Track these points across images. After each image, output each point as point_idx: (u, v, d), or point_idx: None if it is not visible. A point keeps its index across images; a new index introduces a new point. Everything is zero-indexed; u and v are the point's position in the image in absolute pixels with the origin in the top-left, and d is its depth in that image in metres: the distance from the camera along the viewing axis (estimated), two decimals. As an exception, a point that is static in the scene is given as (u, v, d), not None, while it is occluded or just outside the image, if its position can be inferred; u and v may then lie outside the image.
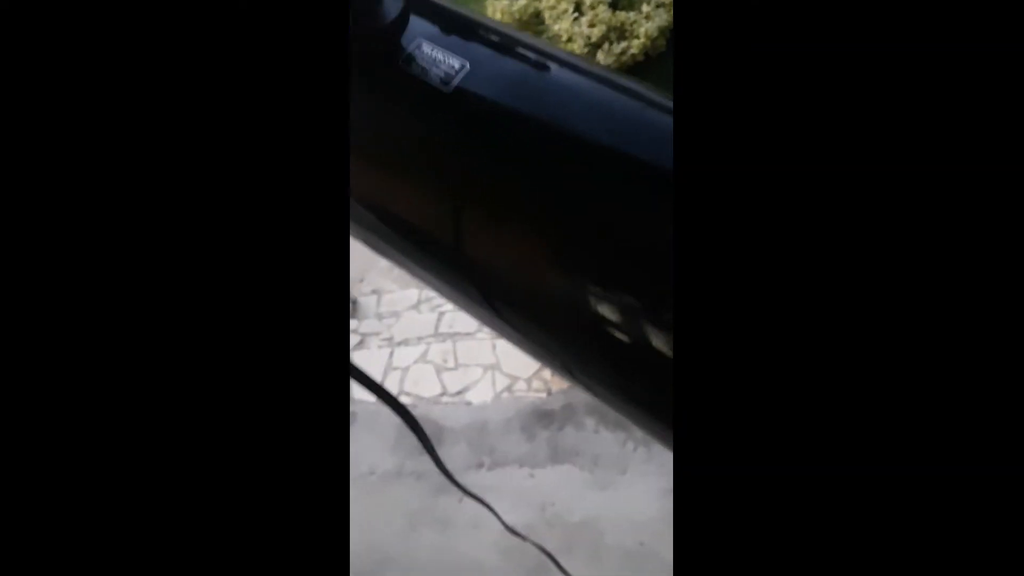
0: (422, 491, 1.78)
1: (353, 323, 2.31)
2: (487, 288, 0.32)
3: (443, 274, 0.33)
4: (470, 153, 0.30)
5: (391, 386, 2.02)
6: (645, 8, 2.23)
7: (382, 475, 1.78)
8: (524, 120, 0.29)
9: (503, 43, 0.33)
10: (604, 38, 2.24)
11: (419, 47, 0.32)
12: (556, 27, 2.30)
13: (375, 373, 2.07)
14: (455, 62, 0.31)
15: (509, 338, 0.33)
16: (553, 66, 0.31)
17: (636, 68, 2.30)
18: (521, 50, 0.32)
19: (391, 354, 2.10)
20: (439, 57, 0.31)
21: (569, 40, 2.25)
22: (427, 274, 0.34)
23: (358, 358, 2.29)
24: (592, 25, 2.23)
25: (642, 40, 2.21)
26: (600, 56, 2.23)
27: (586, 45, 2.23)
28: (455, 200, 0.30)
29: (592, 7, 2.23)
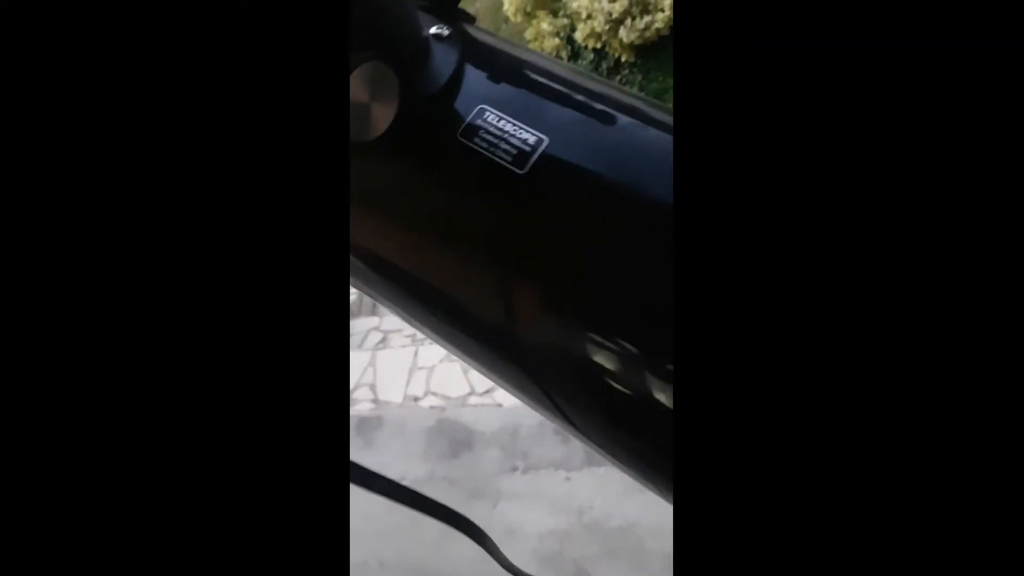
0: (455, 497, 1.74)
1: (375, 320, 2.26)
2: (547, 379, 0.28)
3: (492, 359, 0.29)
4: (542, 236, 0.26)
5: (417, 387, 1.97)
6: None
7: (412, 482, 1.74)
8: (604, 199, 0.25)
9: (572, 97, 0.28)
10: (626, 13, 2.13)
11: (483, 116, 0.27)
12: (575, 4, 2.20)
13: (400, 373, 2.02)
14: (529, 136, 0.26)
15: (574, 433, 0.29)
16: (622, 119, 0.27)
17: (661, 43, 2.20)
18: (592, 103, 0.28)
19: (416, 353, 2.04)
20: (508, 129, 0.26)
21: (589, 17, 2.16)
22: (470, 357, 0.30)
23: (381, 357, 2.25)
24: (613, 0, 2.12)
25: (667, 13, 2.10)
26: (623, 32, 2.13)
27: (607, 21, 2.14)
28: (515, 282, 0.27)
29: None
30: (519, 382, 0.29)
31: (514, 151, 0.26)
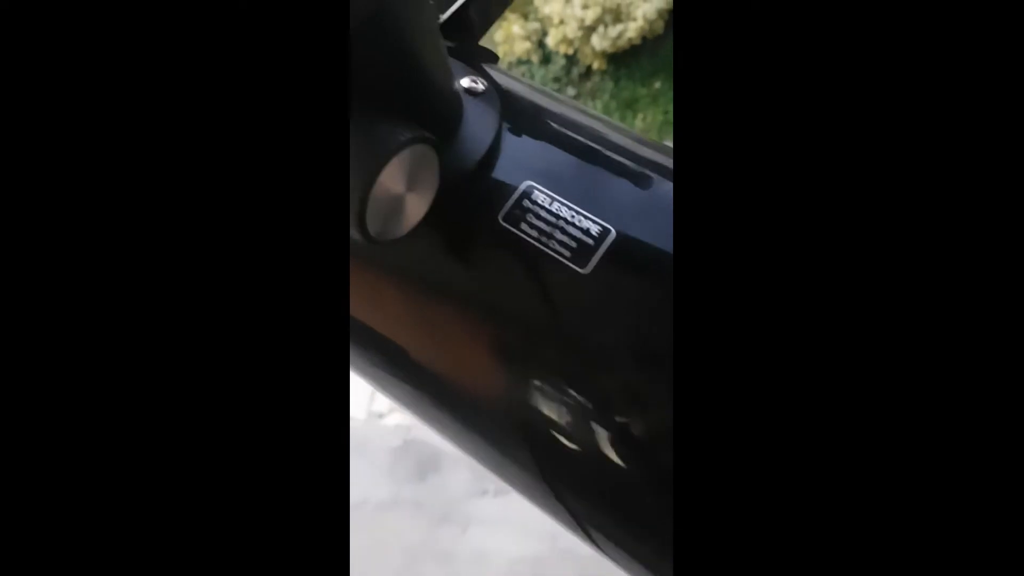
0: (421, 522, 1.66)
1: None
2: (574, 494, 0.26)
3: (513, 469, 0.27)
4: (600, 346, 0.22)
5: (380, 405, 1.88)
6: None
7: (377, 505, 1.65)
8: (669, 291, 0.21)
9: (629, 168, 0.24)
10: (599, 21, 2.12)
11: (531, 195, 0.22)
12: (547, 9, 2.17)
13: (363, 388, 1.93)
14: (591, 226, 0.22)
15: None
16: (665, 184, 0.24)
17: (632, 52, 2.18)
18: (647, 173, 0.24)
19: (380, 368, 1.96)
20: (564, 215, 0.22)
21: (561, 23, 2.13)
22: (477, 451, 0.28)
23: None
24: (586, 7, 2.10)
25: (639, 23, 2.09)
26: (595, 40, 2.11)
27: (580, 28, 2.11)
28: (564, 395, 0.23)
29: (589, -12, 2.09)
30: (538, 493, 0.26)
31: (573, 244, 0.21)
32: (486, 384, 0.24)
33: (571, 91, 2.21)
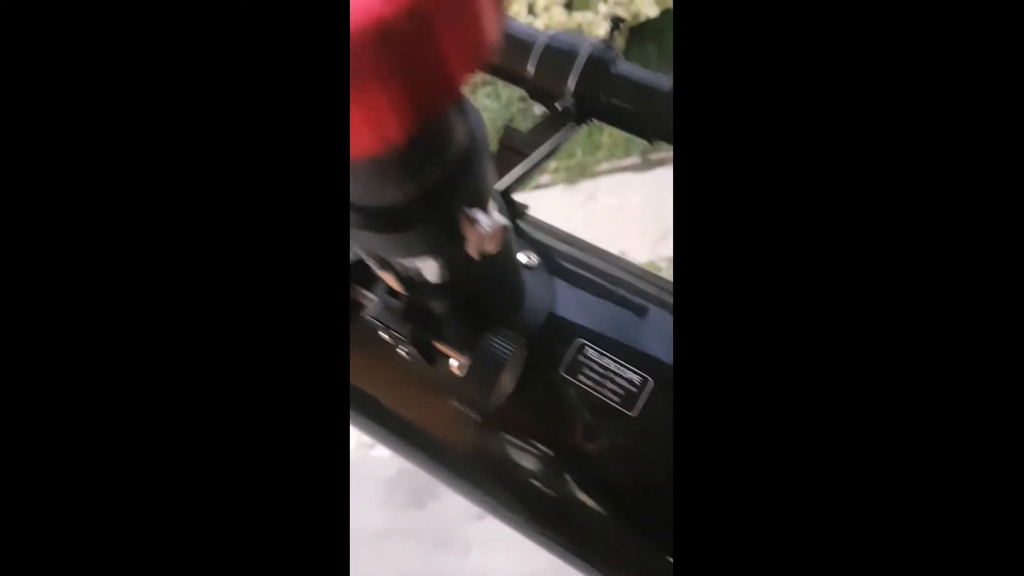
0: (418, 550, 1.64)
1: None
2: None
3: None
4: (647, 476, 0.27)
5: (367, 436, 1.87)
6: (602, 8, 2.14)
7: (373, 534, 1.64)
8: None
9: (658, 316, 0.29)
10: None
11: (583, 351, 0.27)
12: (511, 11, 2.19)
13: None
14: (633, 376, 0.27)
15: None
16: None
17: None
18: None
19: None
20: (612, 368, 0.27)
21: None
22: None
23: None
24: (547, 27, 2.13)
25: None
26: (559, 60, 2.14)
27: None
28: (611, 525, 0.28)
29: (546, 8, 2.13)
30: None
31: (621, 391, 0.26)
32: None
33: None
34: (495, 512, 0.35)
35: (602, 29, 2.10)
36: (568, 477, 0.28)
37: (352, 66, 0.15)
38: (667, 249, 1.76)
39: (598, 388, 0.27)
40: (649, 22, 2.08)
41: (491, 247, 0.23)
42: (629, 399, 0.27)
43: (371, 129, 0.16)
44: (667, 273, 1.38)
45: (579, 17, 2.13)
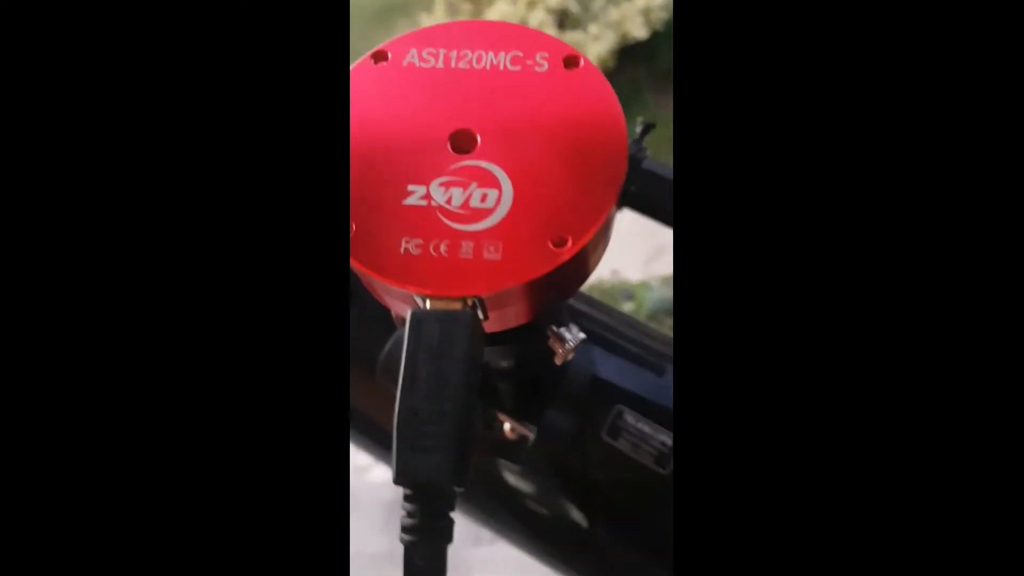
0: (419, 573, 1.62)
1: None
2: None
3: None
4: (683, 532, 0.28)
5: (360, 459, 1.86)
6: (593, 29, 2.16)
7: (371, 558, 1.63)
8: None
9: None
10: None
11: (622, 416, 0.31)
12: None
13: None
14: (666, 439, 0.30)
15: None
16: None
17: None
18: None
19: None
20: (647, 431, 0.30)
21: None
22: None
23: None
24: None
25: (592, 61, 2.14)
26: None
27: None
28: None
29: (539, 27, 2.15)
30: None
31: (655, 452, 0.30)
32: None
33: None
34: (503, 535, 0.38)
35: (592, 51, 2.13)
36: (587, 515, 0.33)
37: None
38: (659, 267, 1.77)
39: (635, 451, 0.30)
40: (639, 44, 2.11)
41: (572, 356, 0.26)
42: (662, 459, 0.30)
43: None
44: (659, 290, 1.39)
45: (570, 36, 2.15)
